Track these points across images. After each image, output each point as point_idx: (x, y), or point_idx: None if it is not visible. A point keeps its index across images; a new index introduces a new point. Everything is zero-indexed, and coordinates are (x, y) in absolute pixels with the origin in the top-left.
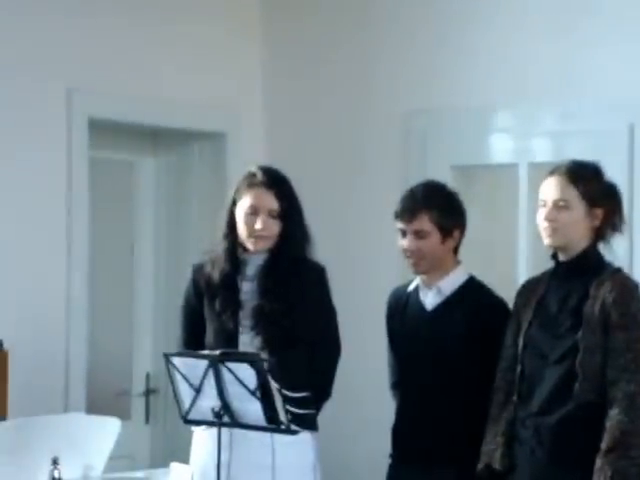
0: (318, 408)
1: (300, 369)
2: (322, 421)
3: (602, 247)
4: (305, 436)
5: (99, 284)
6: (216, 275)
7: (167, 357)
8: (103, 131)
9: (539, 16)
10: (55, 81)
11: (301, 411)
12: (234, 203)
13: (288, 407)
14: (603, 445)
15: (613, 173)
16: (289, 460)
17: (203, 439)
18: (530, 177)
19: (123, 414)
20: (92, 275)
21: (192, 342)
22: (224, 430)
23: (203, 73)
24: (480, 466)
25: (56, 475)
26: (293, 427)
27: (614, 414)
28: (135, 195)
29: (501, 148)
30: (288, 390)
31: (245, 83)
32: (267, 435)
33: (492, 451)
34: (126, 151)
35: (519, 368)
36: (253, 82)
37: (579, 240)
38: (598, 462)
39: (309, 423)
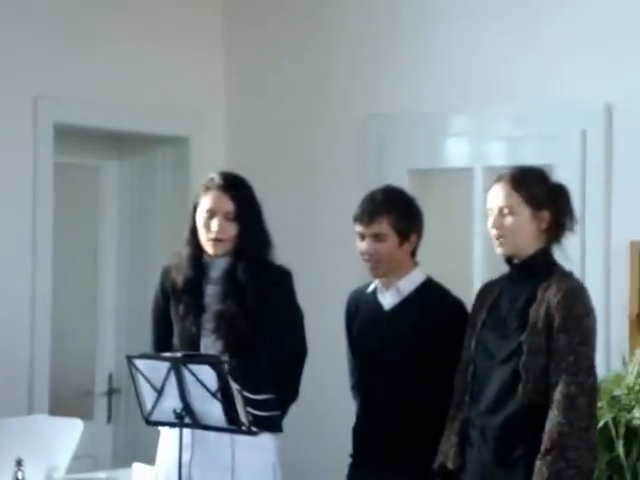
0: (284, 410)
1: (263, 372)
2: (284, 422)
3: (555, 249)
4: (265, 437)
5: (63, 286)
6: (180, 280)
7: (129, 359)
8: (68, 136)
9: (494, 22)
10: (21, 88)
11: (264, 413)
12: (195, 209)
13: (251, 410)
14: (542, 447)
15: (566, 177)
16: (248, 460)
17: (169, 439)
18: (485, 180)
19: (86, 414)
20: (56, 277)
21: (161, 344)
22: (187, 431)
23: (166, 79)
24: (436, 465)
25: (20, 476)
26: (253, 428)
27: (553, 416)
28: (99, 199)
29: (457, 152)
30: (251, 392)
31: (207, 89)
32: (227, 436)
33: (447, 450)
34: (91, 156)
35: (471, 368)
36: (215, 88)
37: (528, 244)
38: (537, 463)
39: (273, 425)
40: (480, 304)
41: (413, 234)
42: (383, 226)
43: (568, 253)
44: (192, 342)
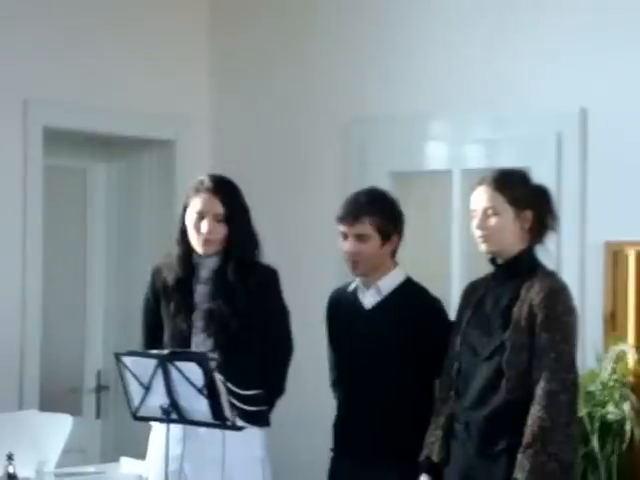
0: (271, 404)
1: (252, 369)
2: (272, 417)
3: (539, 249)
4: (255, 431)
5: (53, 285)
6: (170, 279)
7: (117, 357)
8: (57, 139)
9: (472, 28)
10: (11, 92)
11: (252, 408)
12: (185, 209)
13: (240, 404)
14: (524, 440)
15: (542, 179)
16: (238, 453)
17: (160, 434)
18: (463, 183)
19: (75, 410)
20: (46, 277)
21: (152, 341)
22: (179, 425)
23: (153, 84)
24: (421, 458)
25: (11, 470)
26: (238, 424)
27: (535, 411)
28: (88, 200)
29: (436, 155)
30: (240, 388)
31: (193, 93)
32: (217, 431)
33: (432, 444)
34: (79, 158)
35: (456, 365)
36: (201, 92)
37: (512, 243)
38: (518, 457)
39: (260, 419)
40: (466, 302)
41: (395, 235)
42: (366, 227)
43: (551, 253)
44: (183, 340)
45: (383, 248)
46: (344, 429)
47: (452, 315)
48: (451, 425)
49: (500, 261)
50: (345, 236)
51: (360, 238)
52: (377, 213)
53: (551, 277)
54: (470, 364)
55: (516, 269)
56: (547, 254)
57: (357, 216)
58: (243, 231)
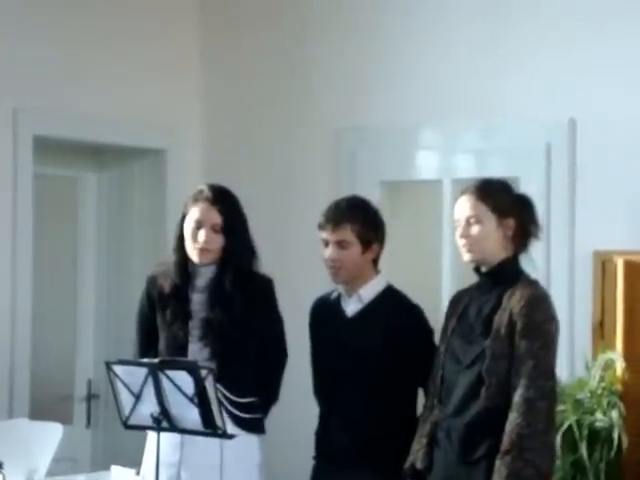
0: (266, 412)
1: (248, 377)
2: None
3: (523, 258)
4: (251, 438)
5: (43, 294)
6: (167, 287)
7: (108, 365)
8: (47, 148)
9: (462, 39)
10: (1, 100)
11: (248, 415)
12: (184, 218)
13: (237, 412)
14: (501, 447)
15: (531, 189)
16: (236, 460)
17: (156, 440)
18: (453, 192)
19: (65, 418)
20: (36, 285)
21: (146, 350)
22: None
23: (144, 93)
24: (406, 465)
25: (0, 479)
26: (228, 432)
27: (513, 418)
28: (78, 209)
29: (426, 165)
30: (237, 396)
31: (185, 102)
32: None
33: (417, 451)
34: (70, 167)
35: (440, 373)
36: (192, 102)
37: (495, 251)
38: (496, 463)
39: (256, 427)
40: (452, 311)
41: (375, 242)
42: (347, 233)
43: (535, 262)
44: (180, 348)
45: (364, 255)
46: (327, 436)
47: (437, 323)
48: (435, 433)
49: (484, 269)
50: (326, 243)
51: (341, 245)
52: (358, 220)
53: (533, 286)
54: (453, 372)
55: (500, 277)
56: (531, 263)
57: (338, 222)
58: (240, 241)
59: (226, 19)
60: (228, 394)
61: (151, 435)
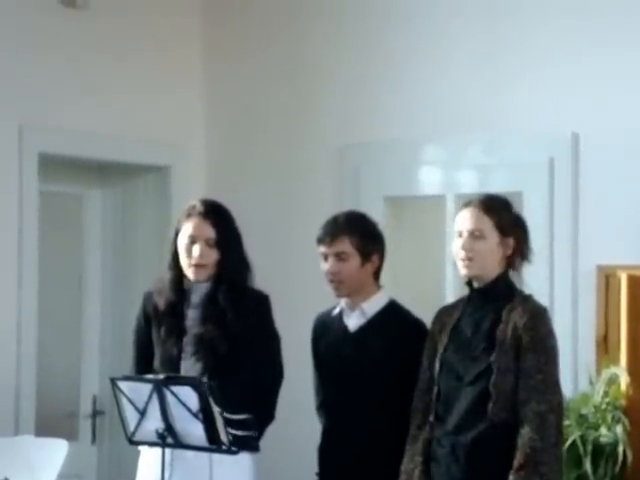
0: (261, 430)
1: (241, 393)
2: (262, 440)
3: (515, 276)
4: (244, 456)
5: (49, 311)
6: (162, 303)
7: (113, 381)
8: (53, 165)
9: (465, 54)
10: (7, 118)
11: (242, 433)
12: (177, 234)
13: (229, 429)
14: (515, 462)
15: (534, 203)
16: (227, 478)
17: (148, 457)
18: (456, 207)
19: (71, 435)
20: (42, 302)
21: (143, 365)
22: (166, 450)
23: (149, 110)
24: None
25: None
26: (234, 448)
27: (525, 432)
28: (83, 226)
29: (429, 180)
30: (229, 413)
31: (188, 120)
32: (204, 455)
33: (411, 470)
34: (75, 184)
35: (435, 389)
36: (196, 119)
37: (492, 268)
38: (511, 478)
39: (250, 445)
40: (440, 327)
41: (375, 254)
42: (345, 245)
43: (524, 281)
44: (172, 364)
45: (364, 268)
46: (330, 452)
47: None
48: (430, 450)
49: (477, 285)
50: (325, 257)
51: (340, 257)
52: (356, 232)
53: (531, 300)
54: (452, 388)
55: (496, 293)
56: (520, 282)
57: (336, 235)
58: (234, 256)
59: (229, 38)
60: (218, 409)
61: (143, 453)
